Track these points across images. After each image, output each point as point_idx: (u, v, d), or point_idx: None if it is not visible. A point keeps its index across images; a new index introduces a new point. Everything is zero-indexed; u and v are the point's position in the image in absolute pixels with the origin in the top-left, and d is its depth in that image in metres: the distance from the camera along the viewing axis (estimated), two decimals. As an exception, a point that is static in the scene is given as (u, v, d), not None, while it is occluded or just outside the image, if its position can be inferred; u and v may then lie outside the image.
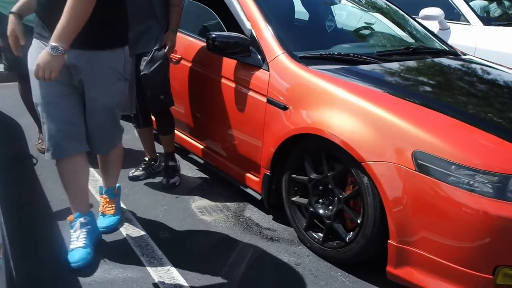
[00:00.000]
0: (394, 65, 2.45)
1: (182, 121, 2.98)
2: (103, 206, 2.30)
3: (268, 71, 2.32)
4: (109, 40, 1.90)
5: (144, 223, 2.37)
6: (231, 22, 2.70)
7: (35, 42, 1.91)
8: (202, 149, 2.90)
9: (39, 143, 3.25)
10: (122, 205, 2.54)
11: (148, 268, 2.01)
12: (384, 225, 1.87)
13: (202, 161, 2.98)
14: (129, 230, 2.29)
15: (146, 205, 2.57)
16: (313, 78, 2.16)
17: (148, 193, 2.71)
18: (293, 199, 2.27)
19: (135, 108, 2.71)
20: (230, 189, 2.77)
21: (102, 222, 2.25)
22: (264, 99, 2.31)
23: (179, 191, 2.74)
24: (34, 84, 1.89)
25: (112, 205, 2.29)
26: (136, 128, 2.92)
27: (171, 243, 2.21)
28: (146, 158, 2.95)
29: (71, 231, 2.04)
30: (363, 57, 2.45)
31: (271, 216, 2.52)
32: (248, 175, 2.53)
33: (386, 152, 1.84)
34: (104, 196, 2.30)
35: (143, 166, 2.92)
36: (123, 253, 2.11)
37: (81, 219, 2.04)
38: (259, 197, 2.49)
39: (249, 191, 2.55)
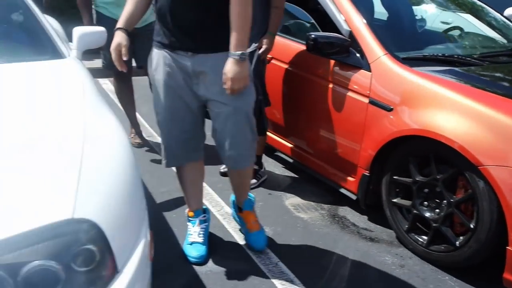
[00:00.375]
0: (503, 67, 2.39)
1: (271, 120, 3.04)
2: (249, 221, 2.15)
3: (370, 72, 2.33)
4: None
5: (244, 218, 2.45)
6: (326, 22, 2.72)
7: (157, 52, 1.90)
8: (291, 148, 2.95)
9: (132, 137, 3.42)
10: (219, 199, 2.65)
11: (256, 261, 2.08)
12: (500, 230, 1.84)
13: (289, 159, 3.02)
14: (231, 224, 2.38)
15: (242, 200, 2.65)
16: (421, 80, 2.15)
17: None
18: (394, 200, 2.27)
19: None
20: (320, 187, 2.80)
21: (255, 241, 2.13)
22: (366, 100, 2.32)
23: (271, 188, 2.80)
24: (157, 93, 1.92)
25: (255, 218, 2.17)
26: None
27: (275, 239, 2.27)
28: (236, 155, 3.03)
29: (190, 225, 2.13)
30: (467, 58, 2.41)
31: (365, 217, 2.54)
32: (343, 175, 2.55)
33: (507, 156, 1.80)
34: (245, 211, 2.15)
35: (232, 162, 3.01)
36: (231, 246, 2.19)
37: (201, 217, 2.12)
38: (354, 197, 2.51)
39: (342, 190, 2.57)
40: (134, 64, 3.26)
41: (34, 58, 2.03)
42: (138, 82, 3.54)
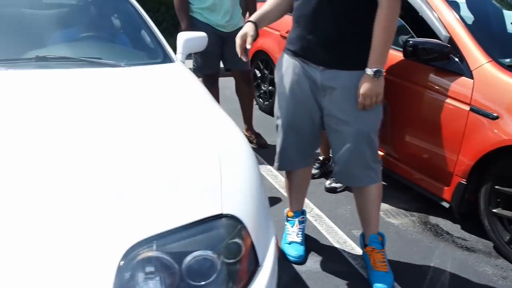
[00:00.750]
0: None
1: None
2: (373, 259, 1.98)
3: (472, 79, 2.29)
4: (367, 59, 1.75)
5: (335, 220, 2.49)
6: (421, 27, 2.70)
7: (287, 59, 1.92)
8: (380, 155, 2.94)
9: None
10: (307, 201, 2.70)
11: (353, 264, 2.12)
12: None
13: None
14: (323, 226, 2.43)
15: (330, 202, 2.69)
16: (531, 89, 2.09)
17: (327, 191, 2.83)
18: (494, 210, 2.22)
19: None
20: (407, 193, 2.79)
21: (376, 281, 1.93)
22: (466, 108, 2.29)
23: (357, 192, 2.83)
24: (281, 99, 1.95)
25: (383, 259, 1.98)
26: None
27: (367, 243, 2.30)
28: (321, 157, 3.08)
29: (288, 225, 2.20)
30: None
31: (458, 225, 2.50)
32: (435, 182, 2.52)
33: None
34: (370, 247, 2.01)
35: (317, 164, 3.06)
36: (326, 248, 2.24)
37: (300, 218, 2.19)
38: (446, 205, 2.47)
39: (434, 198, 2.54)
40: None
41: (148, 62, 2.18)
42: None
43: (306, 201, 2.69)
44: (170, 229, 1.12)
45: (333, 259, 2.15)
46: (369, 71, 1.72)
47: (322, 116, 1.91)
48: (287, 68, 1.91)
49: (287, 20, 4.06)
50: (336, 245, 2.26)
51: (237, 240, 1.21)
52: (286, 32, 3.78)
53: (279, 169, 2.09)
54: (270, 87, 4.23)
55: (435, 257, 2.20)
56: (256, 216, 1.31)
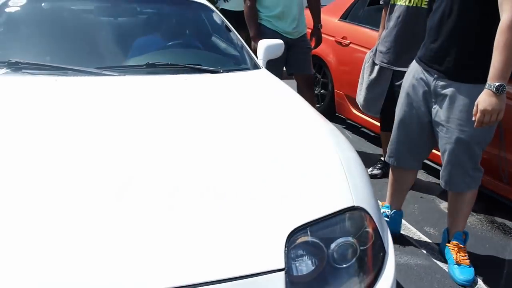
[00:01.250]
0: None
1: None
2: (456, 253, 2.14)
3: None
4: (479, 73, 1.80)
5: (406, 217, 2.62)
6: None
7: (413, 64, 2.09)
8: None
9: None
10: (375, 199, 2.85)
11: (431, 257, 2.27)
12: None
13: (434, 165, 3.16)
14: (396, 223, 2.58)
15: (398, 201, 2.84)
16: None
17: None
18: None
19: (379, 111, 3.02)
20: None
21: (459, 274, 2.09)
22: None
23: (422, 191, 2.97)
24: (400, 98, 2.15)
25: (465, 254, 2.14)
26: (381, 131, 3.19)
27: (440, 239, 2.44)
28: (383, 158, 3.23)
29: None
30: None
31: (524, 225, 2.63)
32: (501, 183, 2.65)
33: None
34: (454, 242, 2.16)
35: (379, 165, 3.21)
36: (402, 242, 2.40)
37: (388, 210, 2.34)
38: (512, 205, 2.61)
39: (494, 196, 2.67)
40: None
41: (240, 68, 2.37)
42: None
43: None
44: (317, 218, 1.30)
45: (411, 253, 2.31)
46: (490, 86, 1.69)
47: (432, 121, 2.06)
48: (410, 72, 2.11)
49: (342, 27, 4.22)
50: (412, 241, 2.41)
51: (367, 229, 1.37)
52: (342, 38, 3.99)
53: (388, 161, 2.26)
54: (322, 91, 4.40)
55: (507, 253, 2.34)
56: (375, 207, 1.47)
